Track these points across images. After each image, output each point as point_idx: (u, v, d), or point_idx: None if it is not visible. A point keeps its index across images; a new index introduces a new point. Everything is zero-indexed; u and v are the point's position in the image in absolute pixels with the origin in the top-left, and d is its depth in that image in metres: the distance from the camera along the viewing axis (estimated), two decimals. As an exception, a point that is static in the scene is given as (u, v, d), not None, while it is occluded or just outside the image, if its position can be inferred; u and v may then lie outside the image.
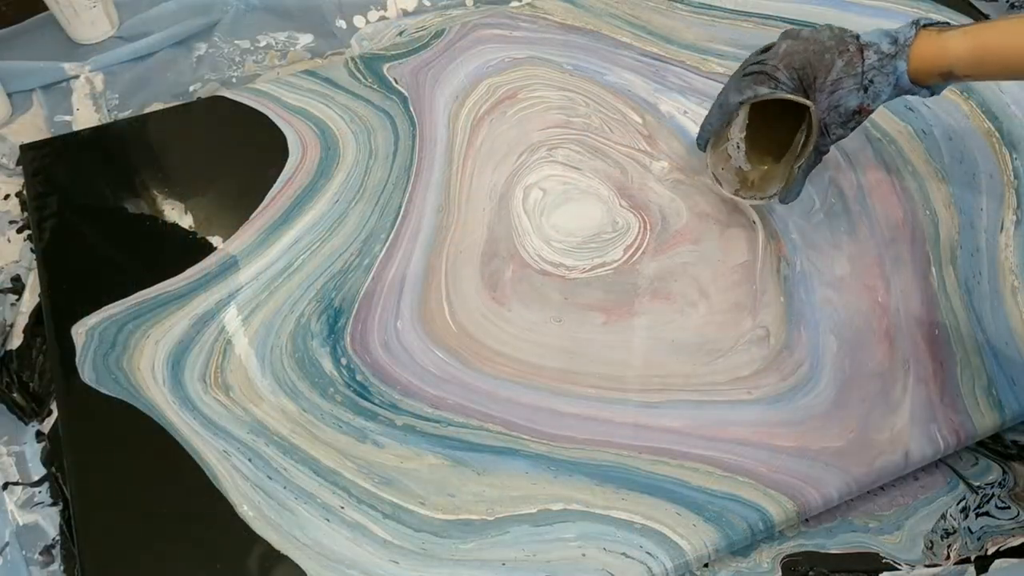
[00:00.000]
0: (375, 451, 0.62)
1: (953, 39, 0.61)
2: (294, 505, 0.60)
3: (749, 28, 0.91)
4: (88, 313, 0.69)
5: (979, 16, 0.94)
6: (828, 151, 0.68)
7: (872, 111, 0.65)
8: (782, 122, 0.71)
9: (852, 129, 0.66)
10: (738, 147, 0.75)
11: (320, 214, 0.75)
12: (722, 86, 0.69)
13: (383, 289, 0.71)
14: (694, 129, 0.82)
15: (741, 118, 0.74)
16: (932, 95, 0.65)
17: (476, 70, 0.86)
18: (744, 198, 0.74)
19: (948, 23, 0.63)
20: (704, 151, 0.74)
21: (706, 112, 0.72)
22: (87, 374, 0.66)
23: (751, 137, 0.75)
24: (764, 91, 0.66)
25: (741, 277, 0.72)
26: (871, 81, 0.63)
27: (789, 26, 0.90)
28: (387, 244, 0.73)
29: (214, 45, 0.92)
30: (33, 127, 0.85)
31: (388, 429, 0.63)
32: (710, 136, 0.72)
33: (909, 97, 0.66)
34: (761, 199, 0.73)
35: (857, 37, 0.65)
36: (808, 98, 0.65)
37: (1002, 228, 0.76)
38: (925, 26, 0.63)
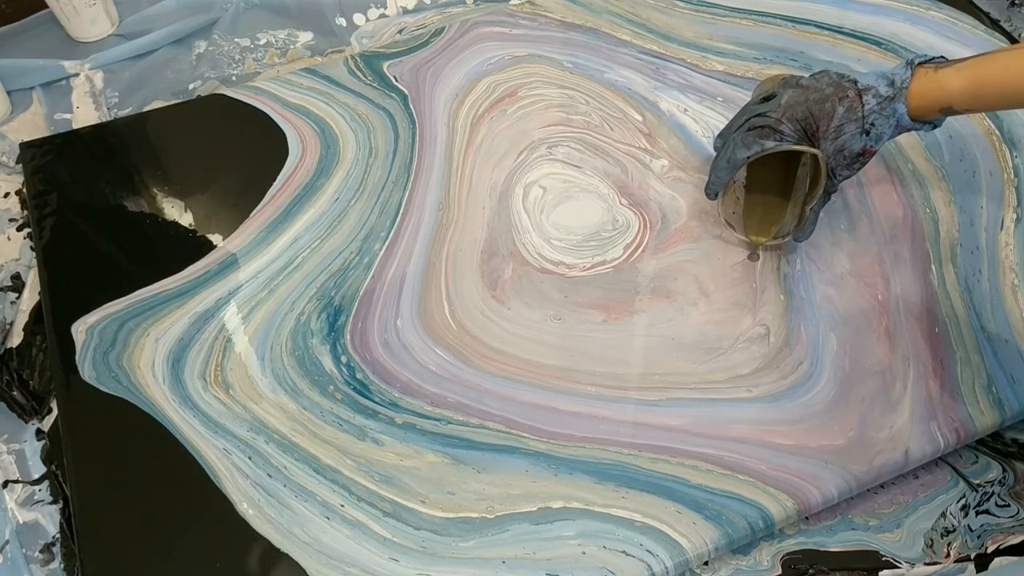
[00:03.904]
0: (375, 449, 0.62)
1: (949, 76, 0.62)
2: (294, 503, 0.60)
3: (748, 26, 0.91)
4: (88, 311, 0.69)
5: (980, 14, 0.94)
6: (836, 190, 0.70)
7: (876, 151, 0.66)
8: (782, 157, 0.72)
9: (858, 170, 0.68)
10: (743, 187, 0.76)
11: (320, 212, 0.75)
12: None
13: (383, 287, 0.71)
14: (694, 127, 0.82)
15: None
16: (934, 128, 0.66)
17: (476, 68, 0.86)
18: (757, 241, 0.73)
19: (944, 58, 0.64)
20: (715, 199, 0.73)
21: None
22: (87, 372, 0.66)
23: (752, 172, 0.75)
24: (771, 144, 0.66)
25: (741, 275, 0.72)
26: (872, 124, 0.64)
27: (788, 25, 0.91)
28: (387, 242, 0.73)
29: (214, 43, 0.92)
30: (33, 125, 0.85)
31: (388, 427, 0.63)
32: (720, 189, 0.72)
33: None
34: (776, 240, 0.73)
35: (855, 82, 0.66)
36: (813, 145, 0.66)
37: (1002, 226, 0.76)
38: (920, 64, 0.64)
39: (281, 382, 0.66)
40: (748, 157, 0.67)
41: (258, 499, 0.60)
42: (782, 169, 0.74)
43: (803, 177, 0.73)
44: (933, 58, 0.64)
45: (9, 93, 0.87)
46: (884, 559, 0.62)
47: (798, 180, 0.73)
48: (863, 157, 0.66)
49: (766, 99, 0.69)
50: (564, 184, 0.78)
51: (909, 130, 0.65)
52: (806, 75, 0.68)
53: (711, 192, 0.72)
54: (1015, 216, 0.77)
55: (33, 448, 0.66)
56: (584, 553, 0.58)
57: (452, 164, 0.79)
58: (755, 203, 0.75)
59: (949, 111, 0.63)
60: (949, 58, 0.64)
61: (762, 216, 0.74)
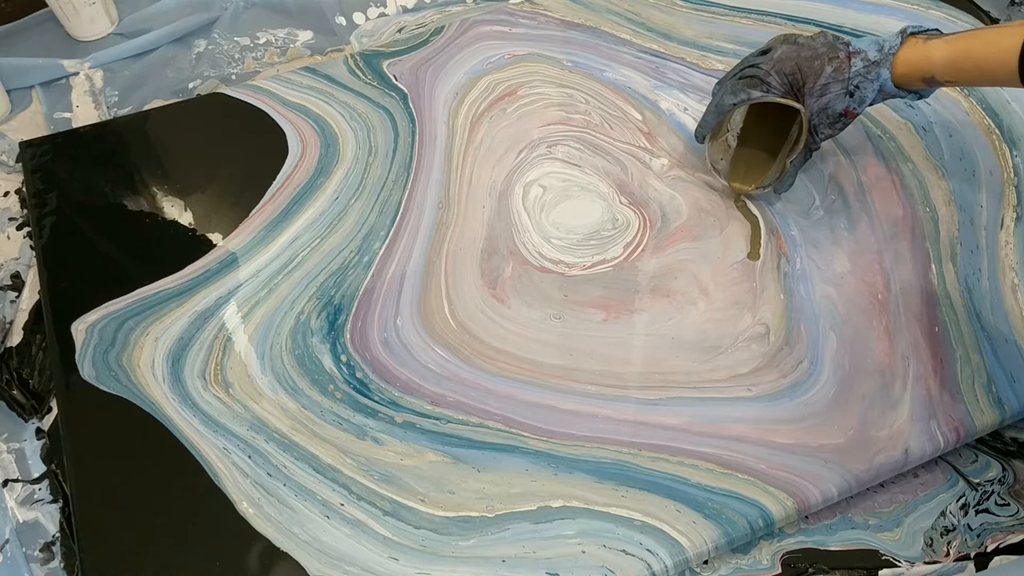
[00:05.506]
0: (375, 448, 0.62)
1: (936, 47, 0.64)
2: (294, 502, 0.60)
3: (748, 25, 0.91)
4: (88, 310, 0.69)
5: (980, 13, 0.94)
6: (818, 148, 0.72)
7: (858, 115, 0.68)
8: (777, 115, 0.74)
9: (840, 130, 0.70)
10: (736, 136, 0.78)
11: (320, 211, 0.75)
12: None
13: (383, 286, 0.71)
14: (694, 126, 0.81)
15: (742, 109, 0.76)
16: (920, 98, 0.68)
17: (476, 67, 0.86)
18: (739, 189, 0.76)
19: (938, 31, 0.66)
20: (703, 143, 0.76)
21: (706, 109, 0.73)
22: (87, 371, 0.66)
23: (748, 126, 0.78)
24: (756, 94, 0.69)
25: (741, 274, 0.72)
26: (857, 87, 0.67)
27: (788, 23, 0.91)
28: (387, 241, 0.73)
29: (214, 42, 0.92)
30: (33, 124, 0.85)
31: (388, 426, 0.63)
32: (707, 133, 0.75)
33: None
34: (756, 189, 0.75)
35: (848, 44, 0.68)
36: (799, 101, 0.68)
37: (1002, 225, 0.76)
38: (913, 34, 0.66)
39: (281, 381, 0.66)
40: (734, 104, 0.70)
41: (258, 498, 0.60)
42: (776, 127, 0.76)
43: (794, 134, 0.75)
44: (927, 29, 0.66)
45: (9, 92, 0.87)
46: (884, 558, 0.62)
47: (789, 136, 0.76)
48: (845, 118, 0.69)
49: (764, 52, 0.71)
50: (564, 183, 0.78)
51: (893, 96, 0.67)
52: (807, 34, 0.70)
53: (699, 135, 0.76)
54: (1015, 215, 0.77)
55: (33, 447, 0.66)
56: (584, 552, 0.58)
57: (452, 163, 0.79)
58: (744, 156, 0.77)
59: (932, 81, 0.65)
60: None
61: (747, 169, 0.77)
